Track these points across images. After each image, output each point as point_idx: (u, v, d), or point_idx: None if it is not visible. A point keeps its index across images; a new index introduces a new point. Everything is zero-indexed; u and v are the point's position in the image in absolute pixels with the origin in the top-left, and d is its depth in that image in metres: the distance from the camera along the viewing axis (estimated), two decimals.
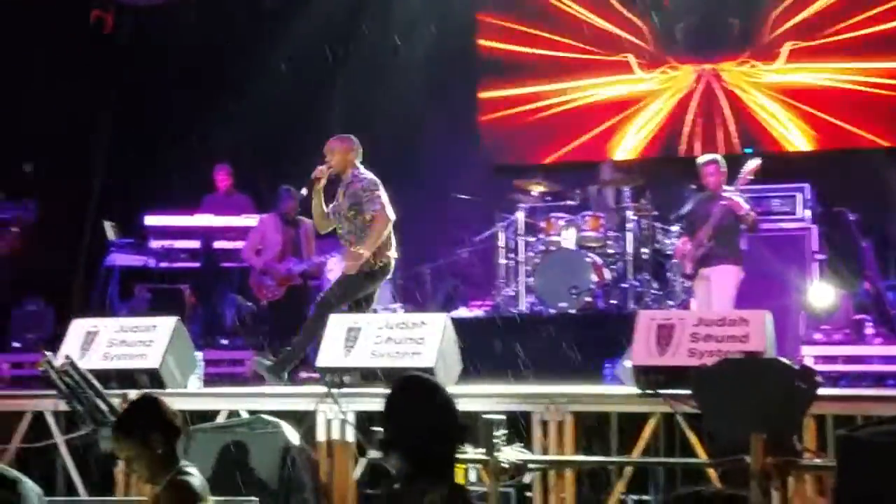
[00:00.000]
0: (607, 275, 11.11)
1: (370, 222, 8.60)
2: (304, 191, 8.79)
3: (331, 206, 8.81)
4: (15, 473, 4.81)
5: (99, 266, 11.93)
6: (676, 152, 12.96)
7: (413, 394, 3.43)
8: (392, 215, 8.70)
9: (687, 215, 10.29)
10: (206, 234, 11.81)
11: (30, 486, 4.75)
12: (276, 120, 12.75)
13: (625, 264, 11.21)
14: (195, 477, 4.65)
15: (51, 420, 8.00)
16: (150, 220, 12.18)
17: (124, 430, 4.74)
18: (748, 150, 11.87)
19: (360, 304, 8.70)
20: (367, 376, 7.81)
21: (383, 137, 13.09)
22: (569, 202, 11.78)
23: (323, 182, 8.71)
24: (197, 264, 11.81)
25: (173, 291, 11.73)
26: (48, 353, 7.51)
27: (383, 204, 8.65)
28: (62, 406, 7.50)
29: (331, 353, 7.93)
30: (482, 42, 13.60)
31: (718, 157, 10.25)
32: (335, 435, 7.49)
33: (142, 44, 13.50)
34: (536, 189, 11.80)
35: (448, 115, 13.12)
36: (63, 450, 7.99)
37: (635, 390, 7.36)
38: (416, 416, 3.34)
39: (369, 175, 8.74)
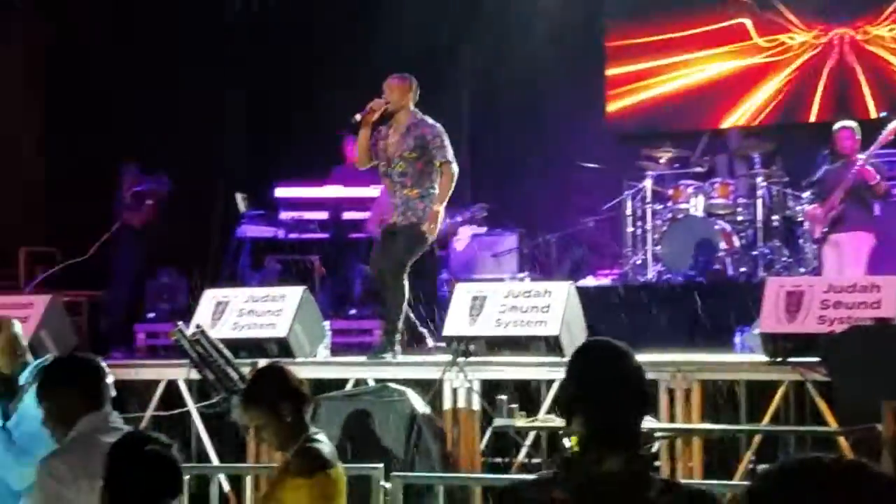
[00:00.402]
0: (736, 242, 10.95)
1: (436, 169, 8.47)
2: (357, 116, 8.49)
3: (378, 143, 8.64)
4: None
5: (231, 237, 12.13)
6: (807, 118, 12.68)
7: (601, 356, 3.30)
8: (457, 169, 8.57)
9: (818, 181, 10.09)
10: (335, 205, 11.90)
11: None
12: None
13: (755, 231, 11.04)
14: (324, 444, 4.69)
15: (184, 388, 8.17)
16: (281, 192, 12.33)
17: (252, 399, 4.78)
18: (884, 115, 11.56)
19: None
20: (493, 345, 7.82)
21: (509, 107, 13.13)
22: (697, 169, 11.64)
23: (376, 116, 8.52)
24: (326, 235, 11.91)
25: (303, 262, 11.87)
26: (180, 324, 7.70)
27: (452, 156, 8.52)
28: (194, 375, 7.67)
29: (456, 321, 7.95)
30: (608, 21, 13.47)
31: (853, 123, 10.01)
32: (461, 403, 7.52)
33: (272, 18, 13.67)
34: (664, 156, 11.66)
35: (574, 83, 13.03)
36: (196, 418, 8.15)
37: (764, 358, 7.26)
38: (603, 381, 3.21)
39: (434, 121, 8.59)
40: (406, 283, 8.41)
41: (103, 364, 5.27)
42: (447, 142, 8.51)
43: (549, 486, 3.11)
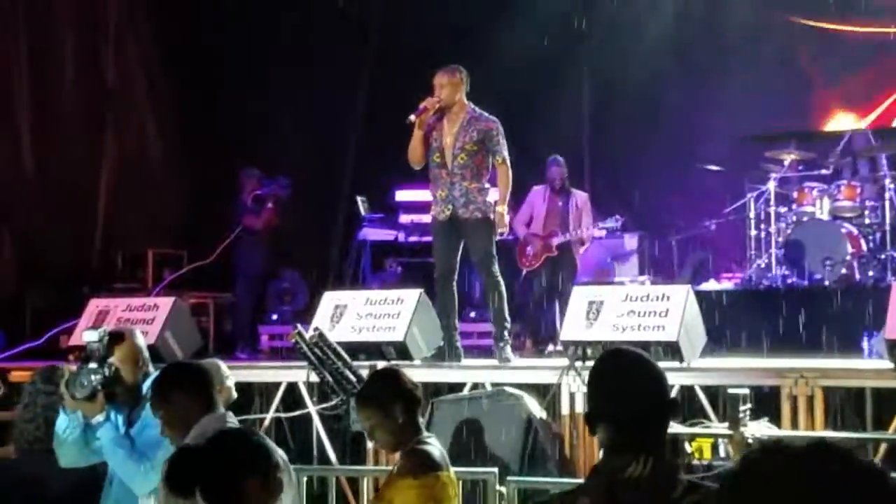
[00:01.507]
0: (864, 245, 10.71)
1: (497, 165, 8.40)
2: (412, 117, 8.39)
3: (432, 134, 8.49)
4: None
5: (352, 240, 12.24)
6: None
7: (620, 364, 3.35)
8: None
9: None
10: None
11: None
12: (521, 91, 12.76)
13: (883, 234, 10.78)
14: (434, 447, 4.70)
15: (304, 390, 8.25)
16: (401, 195, 12.43)
17: (365, 399, 4.84)
18: None
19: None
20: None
21: (628, 110, 13.03)
22: (822, 171, 11.41)
23: (431, 115, 8.44)
24: None
25: (423, 265, 11.93)
26: (299, 326, 7.77)
27: (507, 154, 8.46)
28: (314, 377, 7.74)
29: (574, 325, 7.89)
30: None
31: None
32: (578, 408, 7.47)
33: (390, 22, 13.77)
34: (788, 158, 11.46)
35: (695, 83, 12.87)
36: (316, 419, 8.22)
37: (890, 365, 7.08)
38: (620, 389, 3.26)
39: (492, 116, 8.48)
40: (500, 276, 8.36)
41: (223, 366, 5.35)
42: (504, 139, 8.46)
43: (576, 494, 3.19)
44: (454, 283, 8.43)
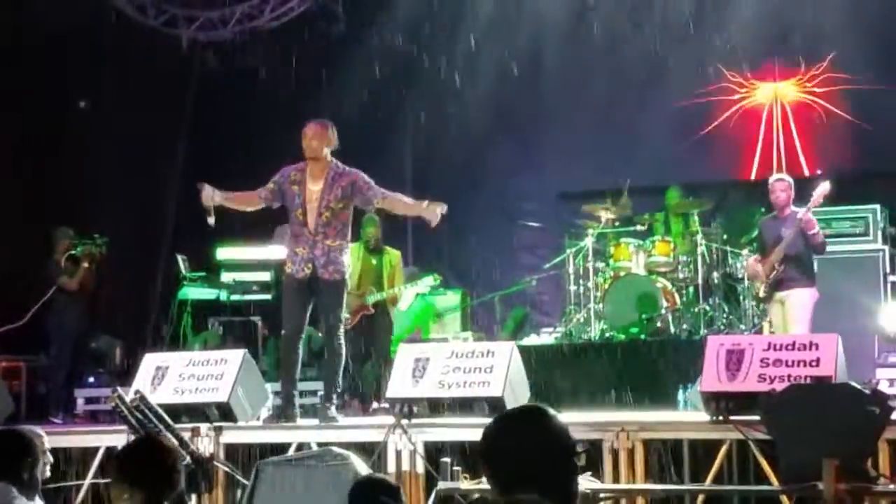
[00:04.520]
0: (678, 299, 11.02)
1: (381, 202, 8.35)
2: (211, 221, 8.38)
3: (294, 191, 8.32)
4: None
5: (172, 300, 12.03)
6: (746, 175, 12.85)
7: (514, 425, 3.29)
8: None
9: (757, 238, 10.19)
10: (279, 266, 11.86)
11: None
12: (342, 151, 12.80)
13: (696, 288, 11.12)
14: None
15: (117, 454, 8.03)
16: (222, 253, 12.28)
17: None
18: (818, 173, 11.75)
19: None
20: (436, 406, 7.78)
21: (450, 170, 13.18)
22: (638, 227, 11.71)
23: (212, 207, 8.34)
24: (269, 296, 11.85)
25: (246, 324, 11.81)
26: (119, 389, 7.58)
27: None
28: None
29: (400, 383, 7.92)
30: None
31: (787, 176, 10.13)
32: (405, 466, 7.47)
33: (213, 72, 13.71)
34: (605, 215, 11.72)
35: (514, 141, 13.11)
36: None
37: (706, 417, 7.28)
38: (517, 448, 3.20)
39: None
40: (343, 339, 8.36)
41: (41, 431, 5.18)
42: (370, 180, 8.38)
43: None
44: (301, 342, 8.34)
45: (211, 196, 8.35)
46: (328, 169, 8.27)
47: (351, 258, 10.50)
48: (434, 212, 8.25)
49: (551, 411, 3.30)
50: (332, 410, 8.20)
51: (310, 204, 8.24)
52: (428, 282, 10.70)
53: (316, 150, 8.26)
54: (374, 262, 10.82)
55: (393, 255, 10.88)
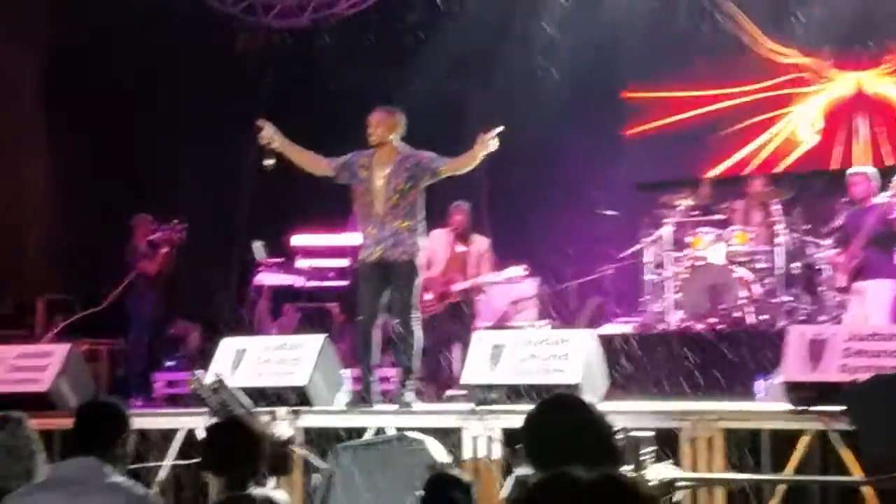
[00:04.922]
0: (757, 289, 10.88)
1: (444, 170, 8.31)
2: (267, 163, 8.31)
3: (361, 175, 8.37)
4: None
5: (247, 286, 12.12)
6: (827, 164, 12.68)
7: (555, 412, 3.36)
8: None
9: (839, 228, 10.06)
10: (355, 251, 11.88)
11: None
12: (422, 137, 12.82)
13: (775, 279, 10.97)
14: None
15: (202, 437, 8.10)
16: (297, 240, 12.35)
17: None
18: None
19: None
20: (513, 393, 7.76)
21: (526, 155, 13.12)
22: (716, 217, 11.59)
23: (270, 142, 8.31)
24: (345, 283, 11.89)
25: (321, 310, 11.86)
26: (198, 372, 7.66)
27: None
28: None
29: (476, 369, 7.91)
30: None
31: (867, 168, 10.00)
32: (481, 452, 7.46)
33: (281, 64, 13.77)
34: (683, 204, 11.60)
35: (592, 130, 13.03)
36: None
37: (787, 407, 7.20)
38: (558, 435, 3.26)
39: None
40: (417, 324, 8.34)
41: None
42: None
43: None
44: (377, 328, 8.35)
45: (270, 136, 8.34)
46: (395, 154, 8.33)
47: (438, 245, 10.56)
48: (486, 143, 8.23)
49: (588, 400, 3.44)
50: (409, 396, 8.21)
51: (378, 189, 8.29)
52: (515, 271, 10.69)
53: (381, 137, 8.32)
54: (461, 249, 10.82)
55: (481, 242, 10.88)
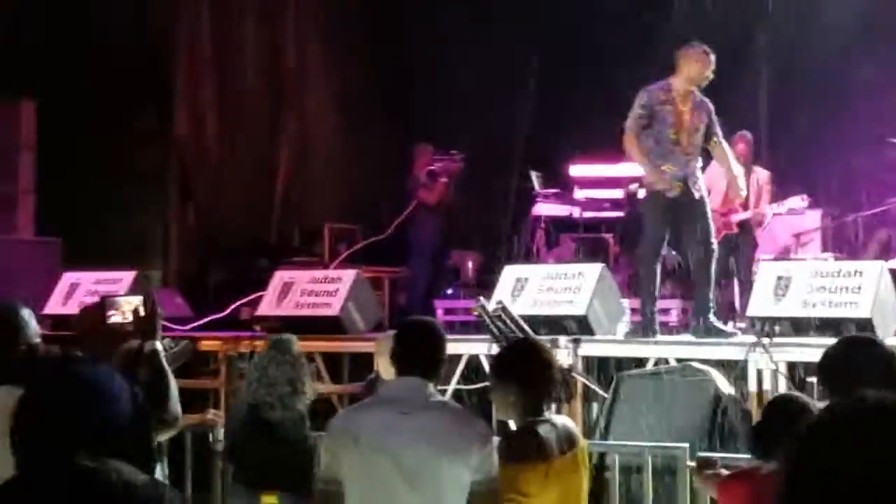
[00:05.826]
0: None
1: (715, 146, 8.56)
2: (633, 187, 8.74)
3: (663, 110, 8.41)
4: None
5: (525, 216, 12.21)
6: None
7: (853, 350, 3.32)
8: None
9: None
10: (631, 183, 11.79)
11: None
12: None
13: None
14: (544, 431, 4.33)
15: (485, 363, 8.25)
16: (575, 170, 12.34)
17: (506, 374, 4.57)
18: None
19: None
20: (799, 326, 7.58)
21: (806, 84, 12.70)
22: None
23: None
24: (621, 214, 11.83)
25: (598, 241, 11.84)
26: (482, 299, 7.78)
27: None
28: (496, 349, 7.73)
29: (761, 301, 7.75)
30: None
31: None
32: (766, 385, 7.32)
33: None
34: None
35: (878, 59, 12.46)
36: None
37: None
38: (860, 372, 3.23)
39: None
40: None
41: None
42: None
43: None
44: (659, 259, 8.40)
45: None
46: (692, 91, 8.41)
47: (716, 175, 10.37)
48: (738, 189, 8.90)
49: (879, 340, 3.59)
50: (711, 323, 8.19)
51: (683, 124, 8.35)
52: (795, 201, 10.39)
53: (698, 76, 8.36)
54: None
55: (761, 174, 10.62)
